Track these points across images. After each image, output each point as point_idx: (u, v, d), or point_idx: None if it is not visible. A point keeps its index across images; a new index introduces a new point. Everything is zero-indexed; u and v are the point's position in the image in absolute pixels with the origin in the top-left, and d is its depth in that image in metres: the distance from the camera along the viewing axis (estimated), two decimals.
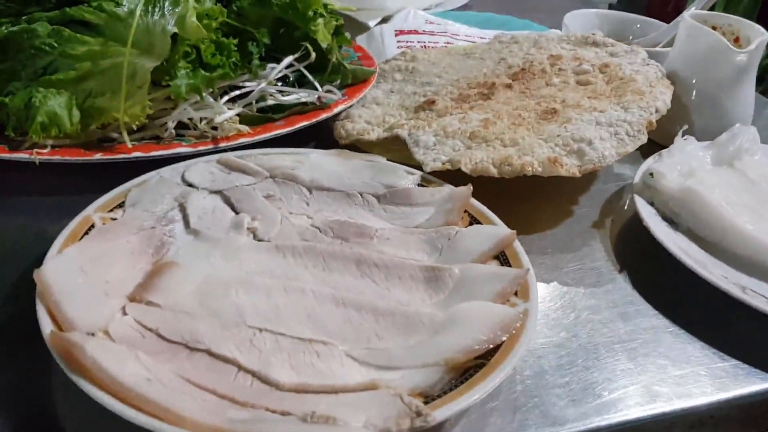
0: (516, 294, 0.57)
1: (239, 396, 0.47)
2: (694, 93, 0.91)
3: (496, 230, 0.64)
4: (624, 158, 0.75)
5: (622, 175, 0.86)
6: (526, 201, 0.76)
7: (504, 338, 0.51)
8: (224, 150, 0.76)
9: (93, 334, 0.48)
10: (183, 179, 0.71)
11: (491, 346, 0.51)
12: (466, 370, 0.50)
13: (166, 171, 0.71)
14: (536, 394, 0.55)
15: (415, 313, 0.55)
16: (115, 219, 0.64)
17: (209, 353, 0.50)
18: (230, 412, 0.46)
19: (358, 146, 0.82)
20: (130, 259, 0.59)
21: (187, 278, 0.57)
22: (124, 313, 0.51)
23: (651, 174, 0.74)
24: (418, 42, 1.13)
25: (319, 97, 0.87)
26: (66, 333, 0.48)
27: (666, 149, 0.80)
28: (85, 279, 0.55)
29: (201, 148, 0.76)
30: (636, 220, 0.72)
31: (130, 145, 0.74)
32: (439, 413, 0.45)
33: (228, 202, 0.69)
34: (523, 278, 0.58)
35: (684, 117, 0.90)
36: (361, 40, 1.12)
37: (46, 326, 0.49)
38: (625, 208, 0.80)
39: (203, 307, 0.55)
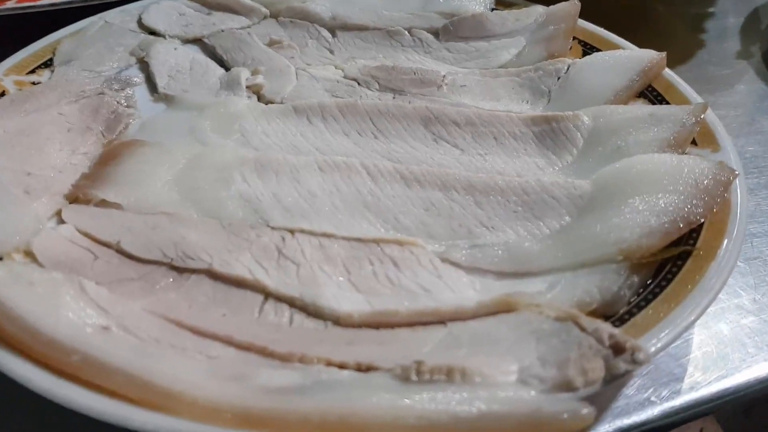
0: (694, 142, 0.36)
1: (274, 343, 0.26)
2: None
3: (634, 55, 0.42)
4: None
5: None
6: (631, 31, 0.52)
7: (715, 206, 0.30)
8: None
9: (1, 258, 0.26)
10: (140, 24, 0.49)
11: (701, 220, 0.29)
12: (660, 267, 0.29)
13: (112, 14, 0.49)
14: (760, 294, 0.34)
15: (539, 186, 0.34)
16: (38, 84, 0.41)
17: (211, 275, 0.29)
18: (262, 373, 0.25)
19: None
20: (67, 140, 0.39)
21: (162, 163, 0.36)
22: (61, 221, 0.29)
23: None
24: None
25: None
26: None
27: None
28: None
29: None
30: None
31: None
32: (648, 341, 0.24)
33: (212, 53, 0.49)
34: (700, 116, 0.36)
35: None
36: None
37: None
38: None
39: (192, 204, 0.34)
